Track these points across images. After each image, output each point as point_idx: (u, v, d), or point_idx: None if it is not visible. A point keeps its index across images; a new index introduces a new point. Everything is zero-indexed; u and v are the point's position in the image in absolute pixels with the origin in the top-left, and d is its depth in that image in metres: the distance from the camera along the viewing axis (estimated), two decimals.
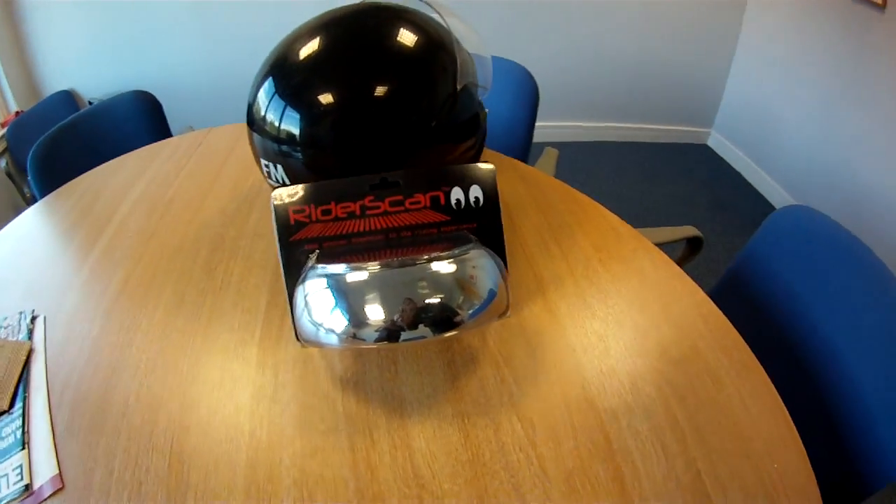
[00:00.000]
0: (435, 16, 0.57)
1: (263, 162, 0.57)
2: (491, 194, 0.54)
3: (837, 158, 1.78)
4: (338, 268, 0.46)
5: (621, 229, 0.67)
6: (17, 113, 1.84)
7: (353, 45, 0.55)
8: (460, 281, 0.46)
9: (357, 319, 0.45)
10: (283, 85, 0.55)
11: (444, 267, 0.45)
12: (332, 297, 0.45)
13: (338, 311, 0.45)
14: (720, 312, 0.55)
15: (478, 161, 0.60)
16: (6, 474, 0.42)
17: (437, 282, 0.45)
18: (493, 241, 0.52)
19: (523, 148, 1.07)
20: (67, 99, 1.95)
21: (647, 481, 0.41)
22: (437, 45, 0.56)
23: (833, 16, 1.80)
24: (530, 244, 0.66)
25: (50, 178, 0.81)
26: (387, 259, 0.48)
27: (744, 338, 0.53)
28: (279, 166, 0.55)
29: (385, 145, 0.54)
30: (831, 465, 0.41)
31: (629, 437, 0.44)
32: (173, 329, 0.54)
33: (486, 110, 0.60)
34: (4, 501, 0.41)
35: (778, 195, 2.06)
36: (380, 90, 0.53)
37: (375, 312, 0.44)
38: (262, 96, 0.55)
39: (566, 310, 0.56)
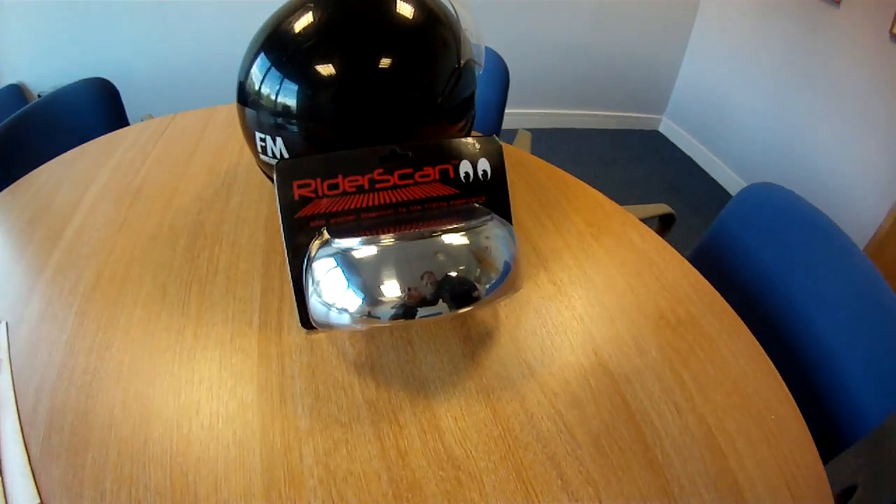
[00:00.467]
0: None
1: (259, 136, 0.48)
2: (498, 168, 0.49)
3: (789, 143, 1.79)
4: (351, 242, 0.40)
5: (607, 206, 0.65)
6: None
7: (359, 16, 0.47)
8: (478, 254, 0.41)
9: (373, 296, 0.39)
10: (285, 54, 0.47)
11: (462, 239, 0.40)
12: (346, 274, 0.39)
13: (352, 289, 0.38)
14: (706, 281, 0.54)
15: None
16: None
17: (456, 254, 0.40)
18: (502, 214, 0.47)
19: (494, 131, 1.01)
20: (16, 93, 1.68)
21: (667, 438, 0.39)
22: (440, 18, 0.50)
23: (788, 8, 1.77)
24: (525, 220, 0.62)
25: (3, 175, 0.66)
26: (401, 232, 0.43)
27: None
28: (278, 139, 0.47)
29: (391, 118, 0.47)
30: (809, 421, 0.42)
31: (644, 398, 0.42)
32: (158, 325, 0.44)
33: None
34: None
35: (729, 178, 2.06)
36: (390, 62, 0.46)
37: (393, 288, 0.38)
38: (260, 67, 0.47)
39: (568, 281, 0.53)
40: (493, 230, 0.42)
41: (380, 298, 0.39)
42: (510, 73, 0.99)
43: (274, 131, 0.47)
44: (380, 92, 0.47)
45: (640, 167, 2.11)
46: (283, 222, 0.44)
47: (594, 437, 0.39)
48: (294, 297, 0.46)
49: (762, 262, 0.57)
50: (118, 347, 0.42)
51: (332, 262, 0.40)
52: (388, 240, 0.40)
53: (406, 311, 0.39)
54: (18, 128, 0.74)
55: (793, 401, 0.43)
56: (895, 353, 0.42)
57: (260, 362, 0.42)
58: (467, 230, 0.41)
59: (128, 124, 0.84)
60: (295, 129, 0.47)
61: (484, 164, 0.49)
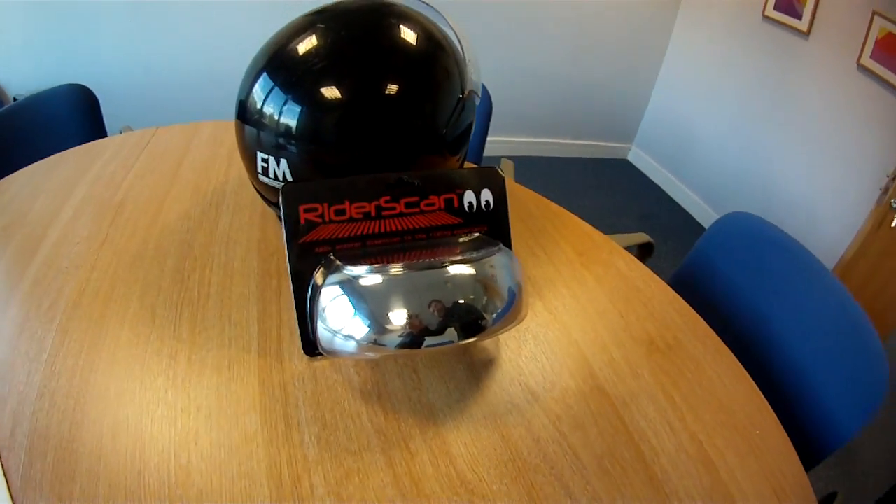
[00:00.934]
0: (430, 15, 0.55)
1: (261, 156, 0.48)
2: (500, 198, 0.52)
3: (756, 172, 1.84)
4: (360, 269, 0.41)
5: (594, 235, 0.69)
6: None
7: (371, 41, 0.49)
8: (486, 284, 0.42)
9: (382, 324, 0.39)
10: (295, 75, 0.47)
11: (471, 270, 0.42)
12: (356, 302, 0.39)
13: (361, 316, 0.39)
14: (689, 307, 0.58)
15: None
16: None
17: (465, 285, 0.41)
18: (503, 244, 0.50)
19: (476, 160, 1.05)
20: None
21: (664, 455, 0.42)
22: (447, 48, 0.52)
23: (759, 41, 1.87)
24: (519, 249, 0.64)
25: None
26: (409, 261, 0.44)
27: None
28: (282, 161, 0.47)
29: (398, 146, 0.48)
30: (787, 435, 0.46)
31: (640, 418, 0.45)
32: (148, 349, 0.42)
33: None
34: None
35: (697, 206, 2.13)
36: (400, 89, 0.48)
37: (401, 316, 0.39)
38: (265, 87, 0.46)
39: (563, 309, 0.55)
40: (500, 261, 0.44)
41: (388, 326, 0.39)
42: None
43: (279, 152, 0.47)
44: (389, 119, 0.48)
45: (610, 195, 2.19)
46: (287, 246, 0.43)
47: (598, 458, 0.41)
48: (296, 324, 0.46)
49: (739, 287, 0.63)
50: (104, 370, 0.39)
51: (341, 288, 0.40)
52: (396, 268, 0.41)
53: (413, 339, 0.39)
54: None
55: (774, 416, 0.47)
56: (866, 370, 0.47)
57: (262, 390, 0.41)
58: (476, 261, 0.42)
59: (105, 135, 0.81)
60: (302, 150, 0.48)
61: (487, 195, 0.51)
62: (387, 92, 0.47)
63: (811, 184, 1.76)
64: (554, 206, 0.75)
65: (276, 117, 0.46)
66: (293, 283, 0.43)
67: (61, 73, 1.65)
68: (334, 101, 0.47)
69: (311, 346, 0.45)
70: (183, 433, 0.36)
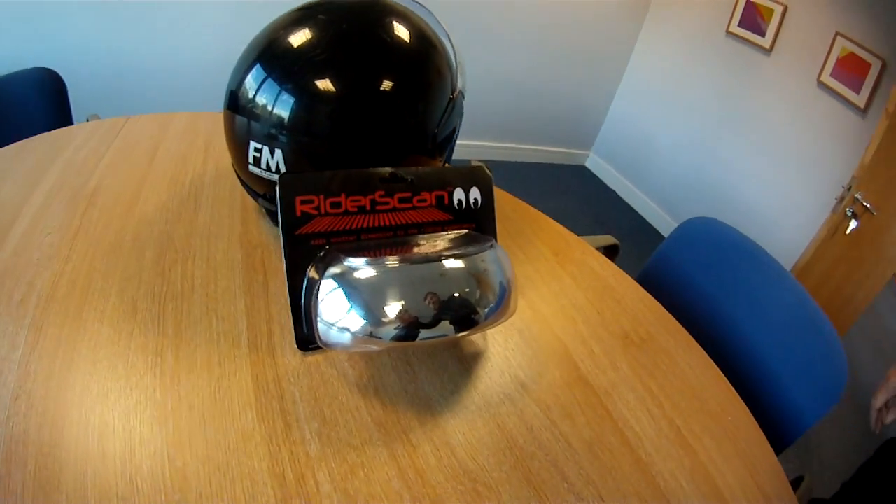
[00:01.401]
0: (423, 15, 0.55)
1: (254, 145, 0.46)
2: (488, 196, 0.53)
3: (714, 180, 1.92)
4: (358, 262, 0.41)
5: (567, 236, 0.72)
6: None
7: (371, 36, 0.48)
8: (480, 279, 0.44)
9: (377, 317, 0.40)
10: (294, 66, 0.46)
11: (466, 264, 0.43)
12: (353, 294, 0.39)
13: (358, 308, 0.39)
14: (658, 303, 0.62)
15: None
16: None
17: (459, 279, 0.42)
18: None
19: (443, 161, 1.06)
20: None
21: (646, 440, 0.45)
22: (439, 48, 0.52)
23: (722, 56, 1.95)
24: None
25: None
26: (405, 254, 0.44)
27: None
28: (277, 151, 0.45)
29: (392, 141, 0.48)
30: None
31: (623, 407, 0.48)
32: (131, 345, 0.39)
33: None
34: None
35: (652, 212, 2.20)
36: (397, 85, 0.48)
37: (398, 309, 0.40)
38: (261, 77, 0.45)
39: (544, 305, 0.57)
40: (493, 257, 0.45)
41: (385, 319, 0.39)
42: None
43: (273, 143, 0.46)
44: (385, 114, 0.48)
45: (568, 200, 2.25)
46: (283, 238, 0.42)
47: (588, 444, 0.43)
48: (287, 318, 0.45)
49: (702, 288, 0.68)
50: (85, 369, 0.36)
51: (342, 280, 0.40)
52: (393, 261, 0.41)
53: (408, 332, 0.40)
54: None
55: (743, 404, 0.51)
56: (825, 362, 0.53)
57: (256, 387, 0.39)
58: (471, 256, 0.43)
59: (71, 123, 0.74)
60: (300, 141, 0.47)
61: (475, 193, 0.53)
62: (386, 88, 0.47)
63: (768, 193, 1.89)
64: (529, 207, 0.77)
65: (274, 107, 0.45)
66: (288, 275, 0.42)
67: (26, 56, 1.51)
68: (337, 93, 0.46)
69: (304, 340, 0.45)
70: (176, 434, 0.34)
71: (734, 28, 2.05)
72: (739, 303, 0.64)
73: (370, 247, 0.46)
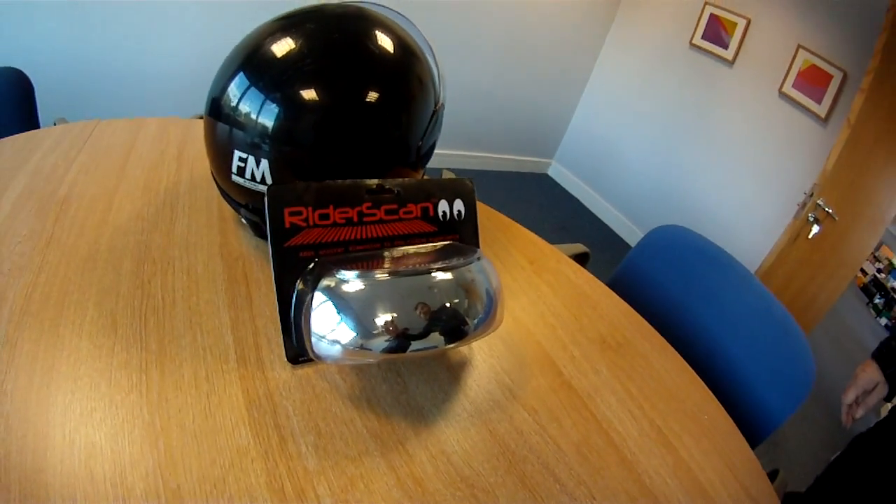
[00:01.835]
0: (406, 26, 0.56)
1: (238, 155, 0.45)
2: (471, 208, 0.55)
3: (675, 188, 1.98)
4: (349, 274, 0.41)
5: (541, 245, 0.75)
6: None
7: (359, 47, 0.49)
8: (469, 290, 0.45)
9: (367, 329, 0.40)
10: (283, 74, 0.46)
11: (455, 276, 0.44)
12: (345, 306, 0.39)
13: (349, 321, 0.39)
14: (632, 309, 0.66)
15: None
16: None
17: (449, 290, 0.43)
18: None
19: None
20: None
21: (630, 440, 0.47)
22: (423, 60, 0.53)
23: (685, 67, 2.01)
24: None
25: None
26: (394, 267, 0.45)
27: None
28: (263, 161, 0.45)
29: (378, 152, 0.49)
30: None
31: (605, 409, 0.50)
32: (113, 362, 0.38)
33: None
34: None
35: (615, 219, 2.25)
36: (382, 97, 0.49)
37: (388, 321, 0.40)
38: (247, 85, 0.45)
39: (524, 314, 0.59)
40: (481, 268, 0.47)
41: (376, 331, 0.40)
42: None
43: (260, 153, 0.46)
44: (372, 126, 0.49)
45: (532, 209, 2.30)
46: (272, 250, 0.42)
47: (576, 446, 0.45)
48: (273, 331, 0.45)
49: (672, 293, 0.72)
50: (65, 388, 0.34)
51: (333, 293, 0.40)
52: (383, 274, 0.42)
53: (399, 344, 0.41)
54: None
55: (718, 402, 0.55)
56: (791, 362, 0.57)
57: (247, 402, 0.39)
58: (459, 267, 0.44)
59: (38, 126, 0.70)
60: (287, 151, 0.46)
61: (459, 205, 0.54)
62: (376, 99, 0.48)
63: (730, 201, 1.98)
64: (502, 216, 0.80)
65: (262, 116, 0.45)
66: (277, 288, 0.42)
67: None
68: (329, 103, 0.46)
69: (294, 353, 0.44)
70: (168, 453, 0.33)
71: (698, 40, 2.16)
72: (708, 307, 0.69)
73: (358, 259, 0.46)
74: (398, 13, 0.55)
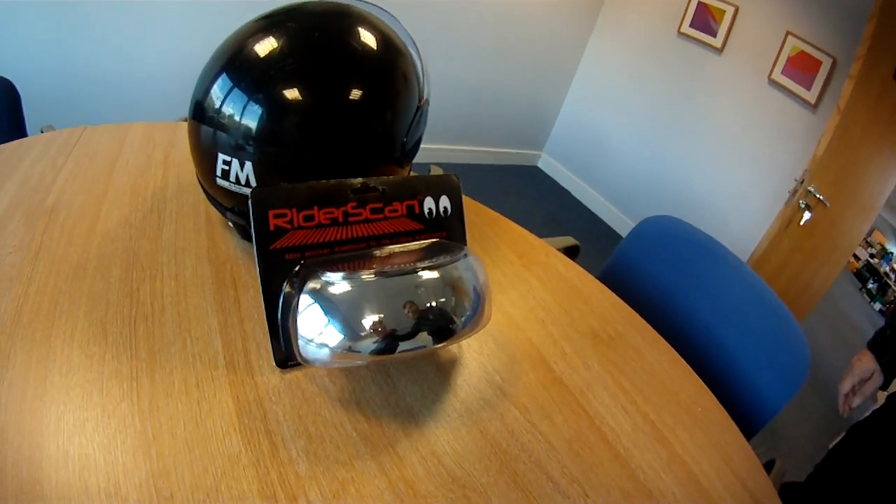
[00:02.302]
0: (389, 22, 0.56)
1: (223, 158, 0.45)
2: (457, 205, 0.54)
3: (666, 178, 1.97)
4: (335, 276, 0.41)
5: (530, 238, 0.75)
6: None
7: (342, 45, 0.49)
8: (457, 289, 0.45)
9: (355, 331, 0.40)
10: (266, 75, 0.46)
11: (442, 274, 0.44)
12: (331, 309, 0.40)
13: (336, 324, 0.39)
14: (623, 302, 0.66)
15: None
16: None
17: (436, 289, 0.43)
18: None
19: None
20: None
21: (623, 435, 0.48)
22: (407, 56, 0.53)
23: (673, 56, 1.99)
24: None
25: None
26: (381, 267, 0.45)
27: None
28: (247, 164, 0.45)
29: (362, 152, 0.49)
30: None
31: (598, 404, 0.51)
32: (105, 370, 0.38)
33: None
34: None
35: (606, 209, 2.25)
36: (366, 94, 0.49)
37: (377, 322, 0.40)
38: (227, 85, 0.44)
39: (514, 309, 0.60)
40: (468, 265, 0.47)
41: (364, 333, 0.40)
42: None
43: (243, 155, 0.46)
44: (357, 123, 0.48)
45: (522, 201, 2.30)
46: (257, 254, 0.42)
47: (568, 443, 0.46)
48: (262, 335, 0.45)
49: (664, 284, 0.72)
50: (58, 398, 0.35)
51: (319, 295, 0.40)
52: (370, 274, 0.42)
53: (388, 345, 0.41)
54: None
55: (712, 394, 0.55)
56: (785, 349, 0.58)
57: (238, 408, 0.39)
58: (446, 266, 0.44)
59: (25, 134, 0.70)
60: (271, 153, 0.46)
61: (445, 202, 0.54)
62: (359, 97, 0.48)
63: (720, 189, 1.97)
64: (490, 211, 0.80)
65: (244, 118, 0.45)
66: (264, 292, 0.42)
67: None
68: (312, 103, 0.46)
69: (282, 357, 0.44)
70: (160, 462, 0.33)
71: (686, 29, 2.15)
72: (701, 297, 0.70)
73: (345, 259, 0.46)
74: (381, 8, 0.55)
